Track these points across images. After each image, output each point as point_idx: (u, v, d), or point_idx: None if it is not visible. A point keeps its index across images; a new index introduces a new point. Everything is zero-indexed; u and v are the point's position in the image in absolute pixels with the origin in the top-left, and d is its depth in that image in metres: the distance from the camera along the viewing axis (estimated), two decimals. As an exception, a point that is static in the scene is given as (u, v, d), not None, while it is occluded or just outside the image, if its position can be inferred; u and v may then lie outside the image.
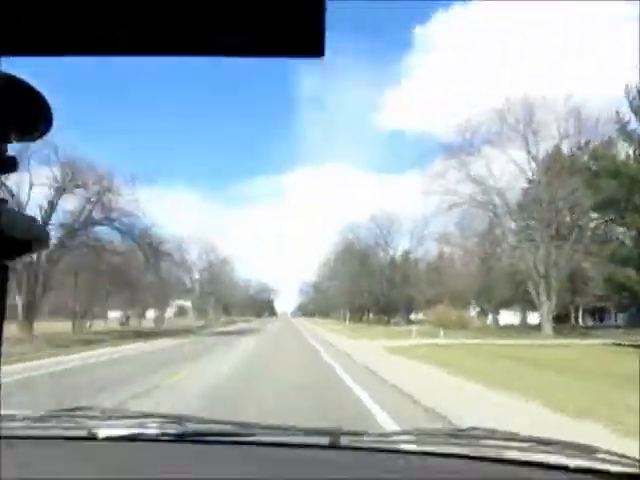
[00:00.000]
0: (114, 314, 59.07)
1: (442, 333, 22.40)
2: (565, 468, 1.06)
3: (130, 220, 31.67)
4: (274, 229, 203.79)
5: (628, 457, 1.11)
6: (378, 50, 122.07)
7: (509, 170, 32.73)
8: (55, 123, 0.39)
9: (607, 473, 1.03)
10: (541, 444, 1.15)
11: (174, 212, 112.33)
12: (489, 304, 48.64)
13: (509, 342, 23.13)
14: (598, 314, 42.07)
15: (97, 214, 30.75)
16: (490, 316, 51.30)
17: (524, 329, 36.99)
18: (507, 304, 47.30)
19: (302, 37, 0.38)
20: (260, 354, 18.33)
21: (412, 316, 71.25)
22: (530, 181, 33.79)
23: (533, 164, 31.94)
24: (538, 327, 36.38)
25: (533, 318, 47.34)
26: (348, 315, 75.66)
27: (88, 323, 36.98)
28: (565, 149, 31.90)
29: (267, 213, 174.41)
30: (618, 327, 34.85)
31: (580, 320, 40.85)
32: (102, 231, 31.94)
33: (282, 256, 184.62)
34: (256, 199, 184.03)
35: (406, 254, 65.00)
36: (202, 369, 13.15)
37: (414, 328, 27.96)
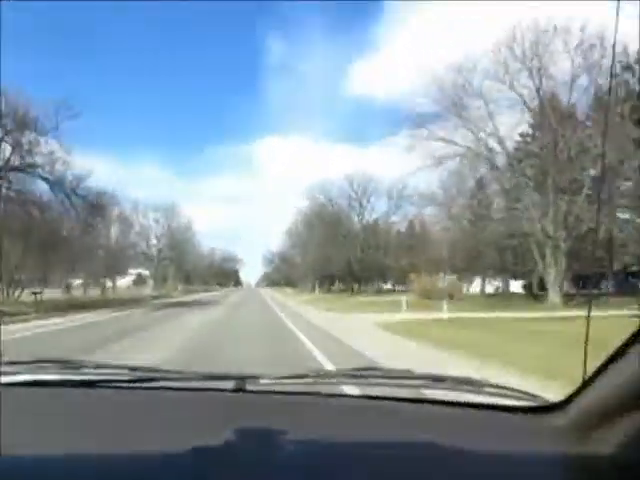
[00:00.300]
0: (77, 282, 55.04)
1: (445, 306, 17.93)
2: (457, 403, 1.13)
3: (62, 169, 26.04)
4: (240, 198, 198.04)
5: (516, 390, 1.15)
6: (345, 17, 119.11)
7: (510, 114, 28.11)
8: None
9: (494, 406, 1.10)
10: (434, 380, 1.18)
11: (131, 176, 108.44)
12: (473, 272, 45.07)
13: (527, 315, 19.10)
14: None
15: (16, 159, 24.80)
16: (473, 285, 47.93)
17: (521, 299, 33.22)
18: (496, 272, 43.70)
19: None
20: (214, 336, 13.48)
21: (384, 286, 67.99)
22: (533, 126, 29.38)
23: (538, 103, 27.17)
24: (534, 296, 32.83)
25: (515, 286, 44.31)
26: (317, 285, 71.68)
27: (13, 292, 30.99)
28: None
29: (233, 182, 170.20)
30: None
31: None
32: (24, 181, 25.89)
33: (248, 226, 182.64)
34: (221, 168, 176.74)
35: (383, 217, 60.14)
36: (124, 357, 8.96)
37: (404, 298, 23.70)
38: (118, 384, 1.19)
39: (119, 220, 53.96)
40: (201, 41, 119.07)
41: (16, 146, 24.03)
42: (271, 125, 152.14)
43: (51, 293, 34.68)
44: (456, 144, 29.31)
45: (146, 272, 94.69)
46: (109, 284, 62.73)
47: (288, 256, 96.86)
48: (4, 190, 24.85)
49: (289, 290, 74.74)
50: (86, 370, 1.25)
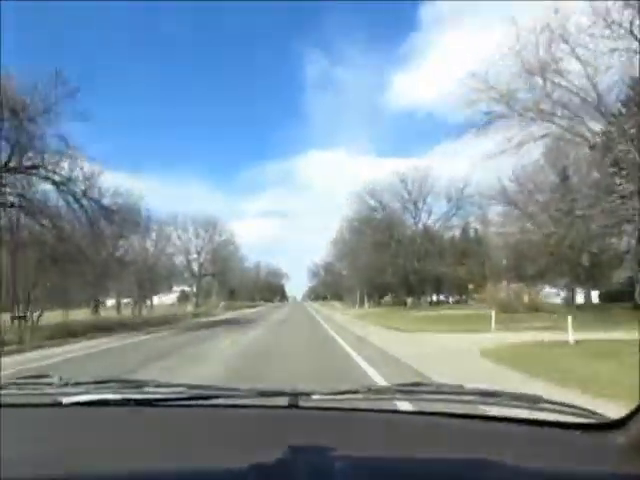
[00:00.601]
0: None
1: (570, 325, 12.60)
2: (515, 420, 1.11)
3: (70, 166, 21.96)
4: (284, 213, 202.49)
5: (573, 406, 1.13)
6: (384, 29, 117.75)
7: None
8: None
9: (551, 423, 1.07)
10: (487, 396, 1.17)
11: (176, 192, 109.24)
12: (545, 280, 38.89)
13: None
14: None
15: (16, 159, 20.84)
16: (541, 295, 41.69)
17: (625, 312, 27.12)
18: (574, 279, 37.49)
19: None
20: (250, 368, 9.30)
21: (435, 298, 62.40)
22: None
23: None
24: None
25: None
26: (366, 298, 66.50)
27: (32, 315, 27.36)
28: None
29: (277, 197, 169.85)
30: None
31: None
32: (28, 184, 21.82)
33: (292, 240, 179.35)
34: (265, 184, 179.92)
35: (442, 220, 53.41)
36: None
37: (492, 313, 18.39)
38: (176, 402, 1.22)
39: (157, 234, 51.38)
40: (244, 59, 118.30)
41: (14, 143, 20.19)
42: (314, 139, 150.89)
43: (77, 314, 31.03)
44: (550, 119, 23.62)
45: (191, 289, 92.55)
46: (147, 302, 60.23)
47: (334, 268, 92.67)
48: (7, 196, 21.15)
49: (337, 304, 69.72)
50: (145, 389, 1.27)
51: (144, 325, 26.04)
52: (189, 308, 60.27)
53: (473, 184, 44.23)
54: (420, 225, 53.26)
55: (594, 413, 1.11)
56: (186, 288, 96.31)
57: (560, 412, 1.10)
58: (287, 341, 16.38)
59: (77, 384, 1.28)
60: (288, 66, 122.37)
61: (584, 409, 1.12)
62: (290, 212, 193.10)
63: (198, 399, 1.21)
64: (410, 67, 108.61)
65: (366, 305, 56.50)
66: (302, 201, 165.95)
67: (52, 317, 26.46)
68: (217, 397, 1.21)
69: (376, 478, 0.86)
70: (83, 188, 22.77)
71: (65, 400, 1.18)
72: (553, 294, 41.39)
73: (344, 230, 66.71)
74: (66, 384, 1.29)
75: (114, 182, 25.14)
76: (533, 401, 1.13)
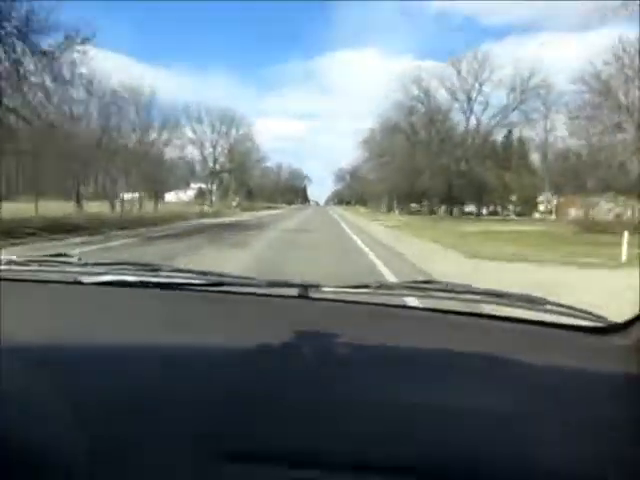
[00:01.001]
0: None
1: None
2: (519, 320, 1.12)
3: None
4: (309, 114, 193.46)
5: (578, 309, 1.13)
6: None
7: None
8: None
9: (555, 324, 1.10)
10: (495, 296, 1.18)
11: (198, 85, 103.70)
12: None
13: None
14: None
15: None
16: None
17: None
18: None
19: None
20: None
21: (473, 208, 55.44)
22: None
23: None
24: None
25: None
26: (395, 205, 60.03)
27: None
28: None
29: (303, 97, 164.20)
30: None
31: None
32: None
33: (317, 143, 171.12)
34: (289, 84, 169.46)
35: (500, 116, 44.04)
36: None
37: (625, 235, 11.70)
38: (192, 287, 1.25)
39: (162, 122, 44.59)
40: None
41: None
42: (343, 38, 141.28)
43: (53, 207, 25.12)
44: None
45: (207, 186, 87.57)
46: (170, 197, 55.40)
47: (361, 172, 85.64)
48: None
49: (361, 209, 63.17)
50: (163, 273, 1.29)
51: (115, 226, 19.70)
52: (205, 207, 55.00)
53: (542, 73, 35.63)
54: (473, 120, 44.09)
55: (599, 317, 1.11)
56: (203, 185, 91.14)
57: (565, 314, 1.11)
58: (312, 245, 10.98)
59: (96, 264, 1.32)
60: None
61: (589, 312, 1.12)
62: (316, 114, 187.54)
63: (211, 285, 1.24)
64: None
65: (396, 212, 50.02)
66: (330, 103, 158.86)
67: (22, 210, 20.88)
68: (231, 284, 1.25)
69: (379, 365, 0.89)
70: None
71: (85, 279, 1.23)
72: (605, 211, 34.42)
73: (378, 128, 58.65)
74: (85, 264, 1.32)
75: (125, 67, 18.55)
76: (538, 302, 1.14)
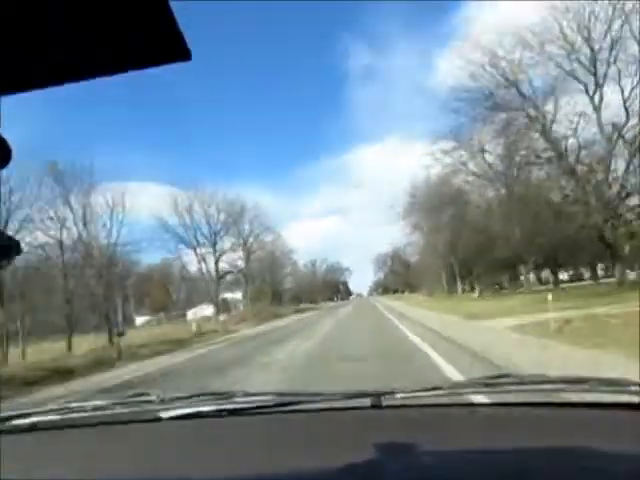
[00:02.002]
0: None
1: None
2: (596, 404, 1.09)
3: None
4: (340, 210, 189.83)
5: None
6: (424, 11, 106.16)
7: None
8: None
9: (635, 405, 1.05)
10: (573, 383, 1.15)
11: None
12: None
13: None
14: None
15: None
16: None
17: None
18: None
19: (164, 45, 0.39)
20: None
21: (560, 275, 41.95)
22: None
23: None
24: None
25: None
26: (459, 281, 47.06)
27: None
28: None
29: (331, 195, 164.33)
30: None
31: None
32: None
33: (353, 237, 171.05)
34: (318, 184, 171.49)
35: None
36: None
37: None
38: (266, 409, 1.26)
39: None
40: (286, 58, 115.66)
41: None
42: (363, 132, 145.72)
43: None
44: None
45: (235, 296, 77.86)
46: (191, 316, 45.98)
47: (406, 251, 74.59)
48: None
49: (420, 297, 49.73)
50: (237, 399, 1.31)
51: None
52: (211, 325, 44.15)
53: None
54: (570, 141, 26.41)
55: None
56: (228, 295, 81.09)
57: None
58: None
59: (174, 399, 1.35)
60: (331, 61, 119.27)
61: None
62: (348, 208, 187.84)
63: (286, 405, 1.24)
64: (452, 47, 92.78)
65: (476, 292, 36.41)
66: (358, 196, 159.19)
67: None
68: (304, 402, 1.24)
69: (461, 471, 0.86)
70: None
71: (164, 415, 1.26)
72: None
73: (417, 190, 48.16)
74: (163, 400, 1.35)
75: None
76: (621, 384, 1.10)
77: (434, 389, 1.18)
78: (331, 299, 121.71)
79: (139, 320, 70.46)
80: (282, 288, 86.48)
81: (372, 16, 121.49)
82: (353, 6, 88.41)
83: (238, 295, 75.98)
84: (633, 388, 1.08)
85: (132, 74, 0.40)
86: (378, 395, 1.18)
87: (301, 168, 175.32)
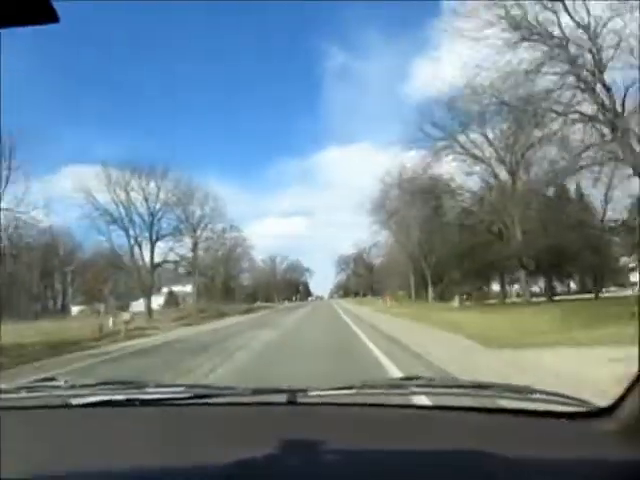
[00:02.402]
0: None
1: None
2: (505, 411, 1.13)
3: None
4: (306, 210, 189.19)
5: (562, 395, 1.14)
6: (404, 16, 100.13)
7: None
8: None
9: (541, 413, 1.09)
10: (478, 388, 1.19)
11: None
12: None
13: None
14: None
15: None
16: None
17: None
18: None
19: (32, 7, 0.40)
20: None
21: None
22: None
23: None
24: None
25: None
26: (431, 288, 42.33)
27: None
28: None
29: (297, 195, 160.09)
30: None
31: None
32: None
33: (318, 239, 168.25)
34: (285, 184, 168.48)
35: None
36: None
37: None
38: (177, 401, 1.25)
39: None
40: (259, 55, 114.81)
41: None
42: (335, 135, 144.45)
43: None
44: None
45: (185, 289, 71.65)
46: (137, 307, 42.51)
47: (370, 254, 70.04)
48: None
49: (387, 303, 44.14)
50: (148, 389, 1.30)
51: None
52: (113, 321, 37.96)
53: None
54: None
55: (583, 402, 1.12)
56: (177, 288, 74.62)
57: (549, 402, 1.11)
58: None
59: (84, 386, 1.33)
60: (305, 62, 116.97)
61: (573, 398, 1.13)
62: (314, 210, 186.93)
63: (198, 398, 1.24)
64: (429, 57, 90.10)
65: (455, 301, 30.93)
66: (325, 198, 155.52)
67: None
68: (216, 396, 1.25)
69: (368, 470, 0.88)
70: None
71: (74, 402, 1.24)
72: None
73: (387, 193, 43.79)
74: (73, 386, 1.33)
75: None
76: (523, 391, 1.15)
77: (347, 388, 1.21)
78: (289, 299, 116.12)
79: (75, 310, 63.73)
80: (237, 284, 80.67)
81: (350, 18, 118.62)
82: (331, 6, 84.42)
83: (189, 288, 69.96)
84: (536, 396, 1.13)
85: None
86: (293, 392, 1.19)
87: (268, 166, 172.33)
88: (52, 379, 1.43)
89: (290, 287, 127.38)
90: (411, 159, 34.09)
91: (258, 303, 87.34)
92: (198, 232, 51.91)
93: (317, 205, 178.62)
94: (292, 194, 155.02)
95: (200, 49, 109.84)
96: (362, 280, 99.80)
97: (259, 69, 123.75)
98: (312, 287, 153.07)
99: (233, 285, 77.92)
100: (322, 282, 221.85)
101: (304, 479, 0.87)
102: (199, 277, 61.48)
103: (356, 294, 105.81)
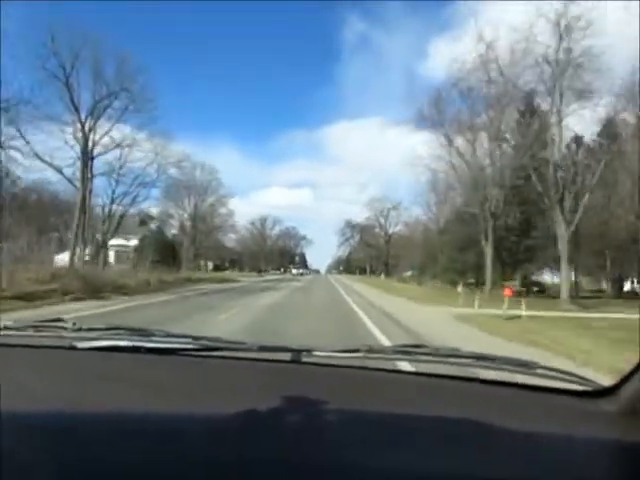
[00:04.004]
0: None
1: None
2: (510, 384, 1.12)
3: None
4: (312, 182, 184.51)
5: (567, 372, 1.14)
6: None
7: None
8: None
9: (544, 388, 1.10)
10: (484, 360, 1.19)
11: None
12: None
13: None
14: None
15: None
16: None
17: None
18: None
19: None
20: None
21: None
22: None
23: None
24: None
25: None
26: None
27: None
28: None
29: (305, 167, 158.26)
30: None
31: None
32: None
33: (322, 211, 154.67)
34: (294, 154, 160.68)
35: None
36: None
37: None
38: (185, 352, 1.25)
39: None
40: (276, 21, 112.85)
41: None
42: (346, 108, 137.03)
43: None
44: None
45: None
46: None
47: (389, 219, 50.79)
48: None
49: (398, 283, 24.73)
50: (156, 338, 1.30)
51: None
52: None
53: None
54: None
55: (588, 380, 1.12)
56: (127, 242, 54.79)
57: (554, 378, 1.11)
58: None
59: (90, 329, 1.33)
60: (324, 29, 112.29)
61: (578, 376, 1.13)
62: (321, 182, 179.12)
63: (204, 350, 1.25)
64: (452, 36, 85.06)
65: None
66: (332, 172, 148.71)
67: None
68: (222, 349, 1.25)
69: (367, 432, 0.88)
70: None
71: (79, 345, 1.25)
72: None
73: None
74: (80, 329, 1.33)
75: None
76: (528, 366, 1.15)
77: (353, 351, 1.21)
78: (279, 269, 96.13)
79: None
80: (209, 245, 61.45)
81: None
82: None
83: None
84: (539, 371, 1.13)
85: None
86: (298, 351, 1.21)
87: (277, 136, 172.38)
88: (59, 320, 1.42)
89: (284, 256, 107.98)
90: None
91: (228, 272, 67.46)
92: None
93: (323, 178, 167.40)
94: (298, 165, 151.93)
95: (217, 13, 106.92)
96: (373, 252, 79.79)
97: (276, 32, 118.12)
98: (310, 259, 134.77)
99: (203, 246, 58.78)
100: (323, 257, 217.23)
101: (303, 435, 0.86)
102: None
103: (362, 270, 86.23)
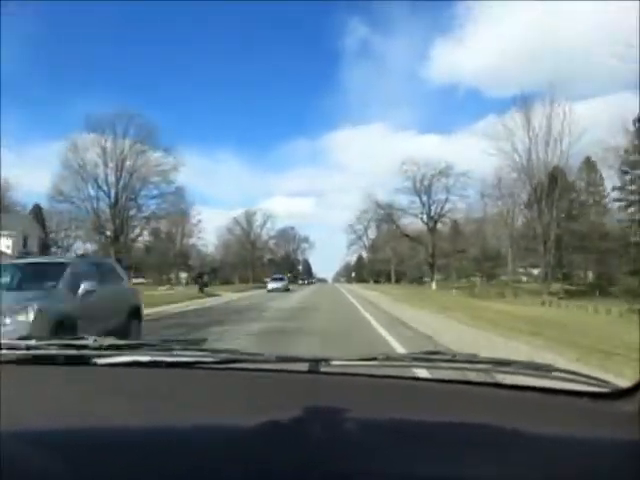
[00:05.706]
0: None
1: None
2: (527, 388, 1.12)
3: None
4: (316, 191, 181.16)
5: (584, 375, 1.14)
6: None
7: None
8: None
9: (561, 391, 1.09)
10: (500, 364, 1.20)
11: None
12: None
13: None
14: None
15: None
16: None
17: None
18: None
19: None
20: None
21: None
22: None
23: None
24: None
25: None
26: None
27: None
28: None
29: (308, 175, 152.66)
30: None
31: None
32: None
33: (326, 219, 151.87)
34: (296, 163, 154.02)
35: None
36: None
37: None
38: (205, 365, 1.28)
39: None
40: (279, 27, 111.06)
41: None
42: (349, 115, 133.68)
43: None
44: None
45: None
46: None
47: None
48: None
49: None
50: (175, 352, 1.32)
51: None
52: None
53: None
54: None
55: (605, 382, 1.12)
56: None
57: (571, 381, 1.12)
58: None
59: (111, 346, 1.35)
60: (325, 35, 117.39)
61: (595, 378, 1.13)
62: (324, 190, 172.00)
63: (223, 362, 1.27)
64: (453, 39, 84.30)
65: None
66: (336, 179, 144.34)
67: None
68: (241, 361, 1.27)
69: (389, 440, 0.88)
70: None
71: (100, 361, 1.28)
72: None
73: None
74: (100, 346, 1.35)
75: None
76: (545, 369, 1.15)
77: (371, 359, 1.21)
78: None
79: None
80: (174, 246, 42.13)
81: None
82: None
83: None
84: (556, 374, 1.13)
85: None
86: (316, 361, 1.21)
87: (279, 144, 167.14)
88: (82, 338, 1.44)
89: (282, 265, 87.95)
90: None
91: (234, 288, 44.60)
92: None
93: (327, 185, 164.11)
94: (302, 174, 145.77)
95: (216, 19, 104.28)
96: (404, 249, 58.61)
97: (276, 39, 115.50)
98: (315, 268, 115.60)
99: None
100: (329, 264, 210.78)
101: (326, 445, 0.87)
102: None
103: (382, 276, 66.00)
